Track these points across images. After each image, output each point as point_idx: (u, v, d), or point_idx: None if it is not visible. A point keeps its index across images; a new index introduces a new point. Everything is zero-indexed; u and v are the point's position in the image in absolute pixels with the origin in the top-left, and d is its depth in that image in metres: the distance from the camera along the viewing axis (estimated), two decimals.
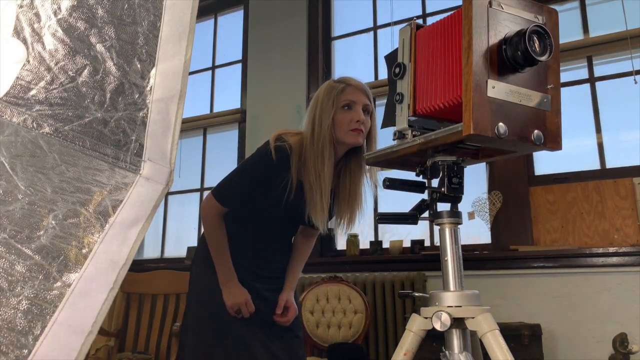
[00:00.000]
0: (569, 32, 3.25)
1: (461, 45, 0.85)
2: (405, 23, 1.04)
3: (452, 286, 0.97)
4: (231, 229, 1.60)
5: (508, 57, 0.84)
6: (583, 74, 3.19)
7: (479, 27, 0.83)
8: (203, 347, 1.54)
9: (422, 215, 1.06)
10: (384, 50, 3.83)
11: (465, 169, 1.03)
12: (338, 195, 1.60)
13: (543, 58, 0.84)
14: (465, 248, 2.91)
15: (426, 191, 1.07)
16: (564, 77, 3.23)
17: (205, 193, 4.35)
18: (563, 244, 2.97)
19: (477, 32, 0.83)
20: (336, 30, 4.14)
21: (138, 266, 4.05)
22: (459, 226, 1.01)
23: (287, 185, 1.48)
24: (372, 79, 3.85)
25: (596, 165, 3.05)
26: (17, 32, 0.66)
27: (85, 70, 0.69)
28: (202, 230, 1.64)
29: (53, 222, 0.62)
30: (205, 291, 1.60)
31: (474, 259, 3.07)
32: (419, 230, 3.48)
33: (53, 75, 0.67)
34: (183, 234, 4.43)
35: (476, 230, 3.28)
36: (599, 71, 3.16)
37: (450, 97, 0.89)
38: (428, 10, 3.77)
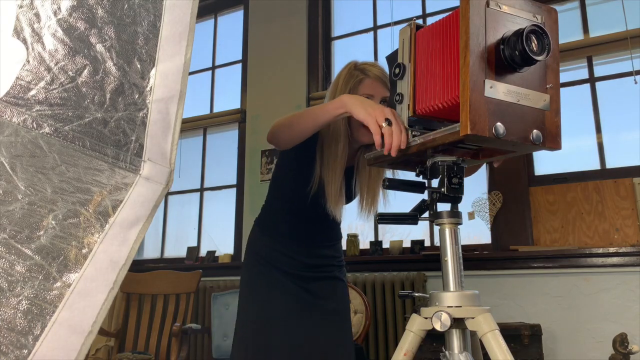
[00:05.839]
0: (569, 32, 3.25)
1: (459, 46, 0.85)
2: (405, 23, 1.04)
3: (452, 286, 0.97)
4: (270, 219, 1.62)
5: (506, 57, 0.84)
6: (583, 74, 3.19)
7: (476, 27, 0.83)
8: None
9: (422, 216, 1.06)
10: (384, 50, 3.84)
11: (465, 169, 1.03)
12: (359, 179, 1.57)
13: (541, 58, 0.84)
14: (465, 248, 2.92)
15: (426, 191, 1.07)
16: (564, 77, 3.23)
17: (205, 193, 4.36)
18: (563, 244, 2.97)
19: (474, 32, 0.83)
20: (336, 30, 4.14)
21: (138, 266, 4.06)
22: (459, 226, 1.01)
23: (310, 164, 1.48)
24: None
25: (596, 166, 3.05)
26: (17, 32, 0.66)
27: (85, 71, 0.69)
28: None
29: (53, 222, 0.62)
30: (245, 295, 1.60)
31: (474, 259, 3.07)
32: (419, 230, 3.48)
33: (53, 76, 0.67)
34: (183, 234, 4.43)
35: (476, 230, 3.28)
36: (599, 71, 3.16)
37: (449, 97, 0.89)
38: (428, 11, 3.77)
